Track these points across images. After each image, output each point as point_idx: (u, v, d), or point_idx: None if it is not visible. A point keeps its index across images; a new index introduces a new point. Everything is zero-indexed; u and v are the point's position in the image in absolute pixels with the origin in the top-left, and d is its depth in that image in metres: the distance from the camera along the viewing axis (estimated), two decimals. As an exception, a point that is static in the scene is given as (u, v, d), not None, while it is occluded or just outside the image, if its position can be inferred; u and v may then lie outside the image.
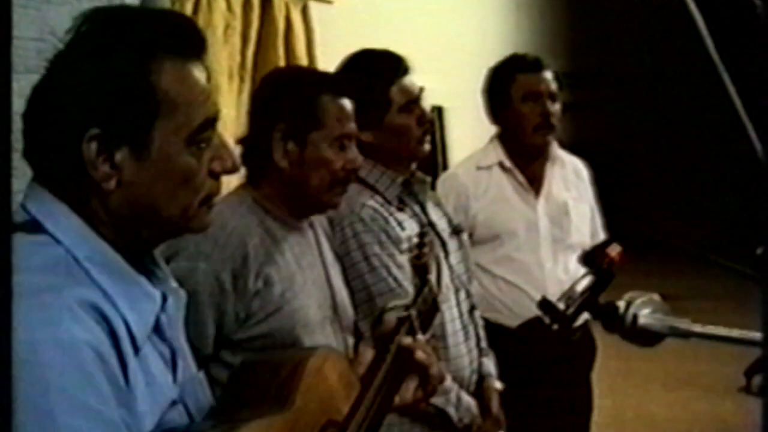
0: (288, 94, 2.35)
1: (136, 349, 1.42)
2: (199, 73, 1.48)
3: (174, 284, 1.61)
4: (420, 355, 2.03)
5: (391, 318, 2.19)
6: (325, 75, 2.68)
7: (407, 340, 2.04)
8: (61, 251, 1.40)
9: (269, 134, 2.31)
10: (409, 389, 2.06)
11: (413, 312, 2.21)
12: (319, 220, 2.58)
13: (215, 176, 1.53)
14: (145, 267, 1.53)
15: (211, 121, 1.50)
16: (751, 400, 6.76)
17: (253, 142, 2.38)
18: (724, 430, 6.30)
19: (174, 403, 1.50)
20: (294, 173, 2.32)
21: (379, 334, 2.18)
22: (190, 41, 1.50)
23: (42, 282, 1.33)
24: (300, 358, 1.79)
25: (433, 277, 2.40)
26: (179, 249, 2.14)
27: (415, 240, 2.48)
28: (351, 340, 2.49)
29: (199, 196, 1.50)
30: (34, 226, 1.41)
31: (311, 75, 2.79)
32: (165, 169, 1.45)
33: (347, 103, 2.38)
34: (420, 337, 2.15)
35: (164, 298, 1.52)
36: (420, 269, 2.38)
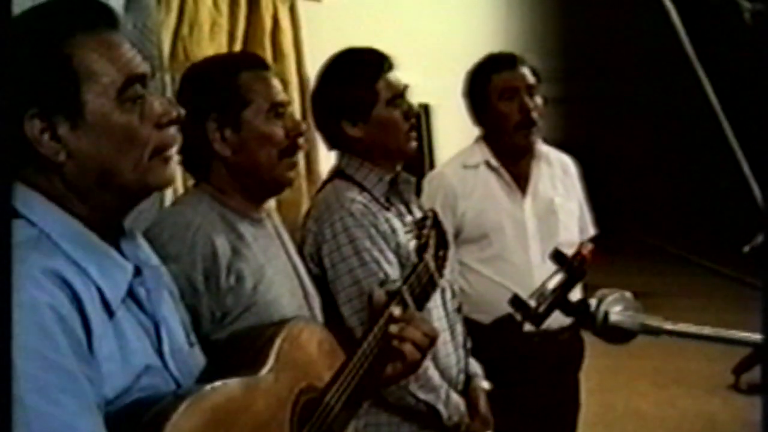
0: (208, 84, 2.34)
1: (110, 313, 1.55)
2: (114, 39, 1.61)
3: (155, 262, 1.78)
4: (396, 329, 2.09)
5: (381, 292, 2.21)
6: (236, 54, 2.68)
7: (396, 312, 2.10)
8: (34, 231, 1.53)
9: (203, 128, 2.28)
10: (397, 366, 2.13)
11: (404, 287, 2.23)
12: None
13: (161, 127, 1.64)
14: (122, 245, 1.67)
15: (138, 78, 1.61)
16: (739, 397, 6.78)
17: (190, 142, 2.34)
18: (712, 428, 6.31)
19: (150, 367, 1.60)
20: (239, 158, 2.30)
21: (371, 307, 2.20)
22: (99, 16, 1.62)
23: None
24: (277, 328, 1.87)
25: (429, 256, 2.41)
26: None
27: (417, 220, 2.50)
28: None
29: (148, 149, 1.61)
30: None
31: (224, 59, 2.83)
32: (103, 129, 1.57)
33: (268, 74, 2.38)
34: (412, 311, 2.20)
35: (138, 271, 1.65)
36: (418, 248, 2.42)
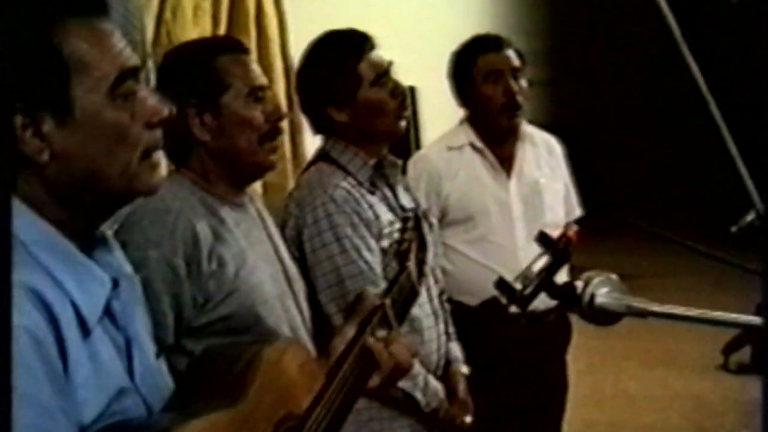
0: (185, 70, 2.32)
1: (86, 332, 1.42)
2: (106, 29, 1.48)
3: (128, 270, 1.63)
4: (384, 355, 1.99)
5: (364, 305, 2.12)
6: (214, 38, 2.65)
7: (375, 338, 2.00)
8: None
9: (183, 114, 2.24)
10: (375, 380, 2.02)
11: (387, 301, 2.15)
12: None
13: (152, 127, 1.51)
14: (95, 253, 1.53)
15: (131, 72, 1.49)
16: (728, 377, 6.79)
17: (169, 128, 2.32)
18: (701, 408, 6.31)
19: (122, 391, 1.48)
20: (219, 144, 2.28)
21: (352, 322, 2.14)
22: (90, 1, 1.49)
23: None
24: (257, 349, 1.75)
25: (411, 264, 2.37)
26: (127, 240, 2.05)
27: (398, 225, 2.47)
28: (308, 312, 2.44)
29: (138, 151, 1.49)
30: None
31: (200, 44, 2.82)
32: (94, 127, 1.44)
33: (247, 58, 2.36)
34: (394, 327, 2.11)
35: (115, 284, 1.52)
36: (400, 255, 2.35)
